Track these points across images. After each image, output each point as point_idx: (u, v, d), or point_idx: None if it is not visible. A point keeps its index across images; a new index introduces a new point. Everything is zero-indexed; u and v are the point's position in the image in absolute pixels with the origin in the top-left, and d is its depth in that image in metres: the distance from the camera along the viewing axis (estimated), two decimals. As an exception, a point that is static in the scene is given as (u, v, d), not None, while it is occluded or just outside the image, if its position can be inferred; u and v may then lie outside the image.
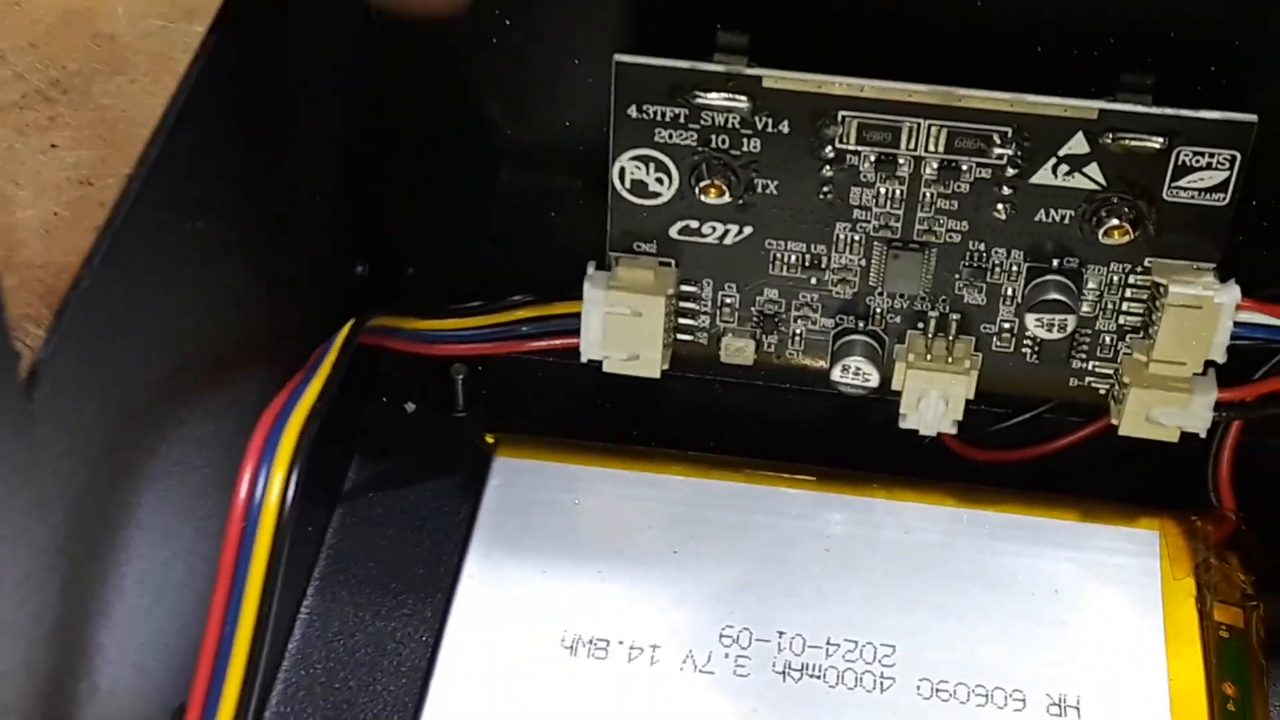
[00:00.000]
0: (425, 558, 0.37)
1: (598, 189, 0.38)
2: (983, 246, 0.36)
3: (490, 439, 0.39)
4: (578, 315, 0.38)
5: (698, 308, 0.38)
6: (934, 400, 0.37)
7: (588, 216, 0.38)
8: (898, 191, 0.36)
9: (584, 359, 0.38)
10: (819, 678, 0.35)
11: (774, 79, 0.35)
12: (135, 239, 0.24)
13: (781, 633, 0.35)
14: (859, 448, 0.40)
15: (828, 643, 0.35)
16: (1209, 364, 0.36)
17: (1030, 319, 0.36)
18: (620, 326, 0.37)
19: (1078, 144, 0.35)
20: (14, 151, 0.49)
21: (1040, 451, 0.39)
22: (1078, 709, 0.34)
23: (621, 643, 0.35)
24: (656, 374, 0.38)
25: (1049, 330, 0.36)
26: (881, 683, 0.35)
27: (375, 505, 0.38)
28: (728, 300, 0.38)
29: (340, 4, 0.35)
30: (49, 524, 0.22)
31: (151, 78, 0.51)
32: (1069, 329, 0.36)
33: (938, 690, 0.34)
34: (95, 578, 0.24)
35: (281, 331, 0.33)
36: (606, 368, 0.38)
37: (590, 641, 0.35)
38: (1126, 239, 0.35)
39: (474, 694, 0.34)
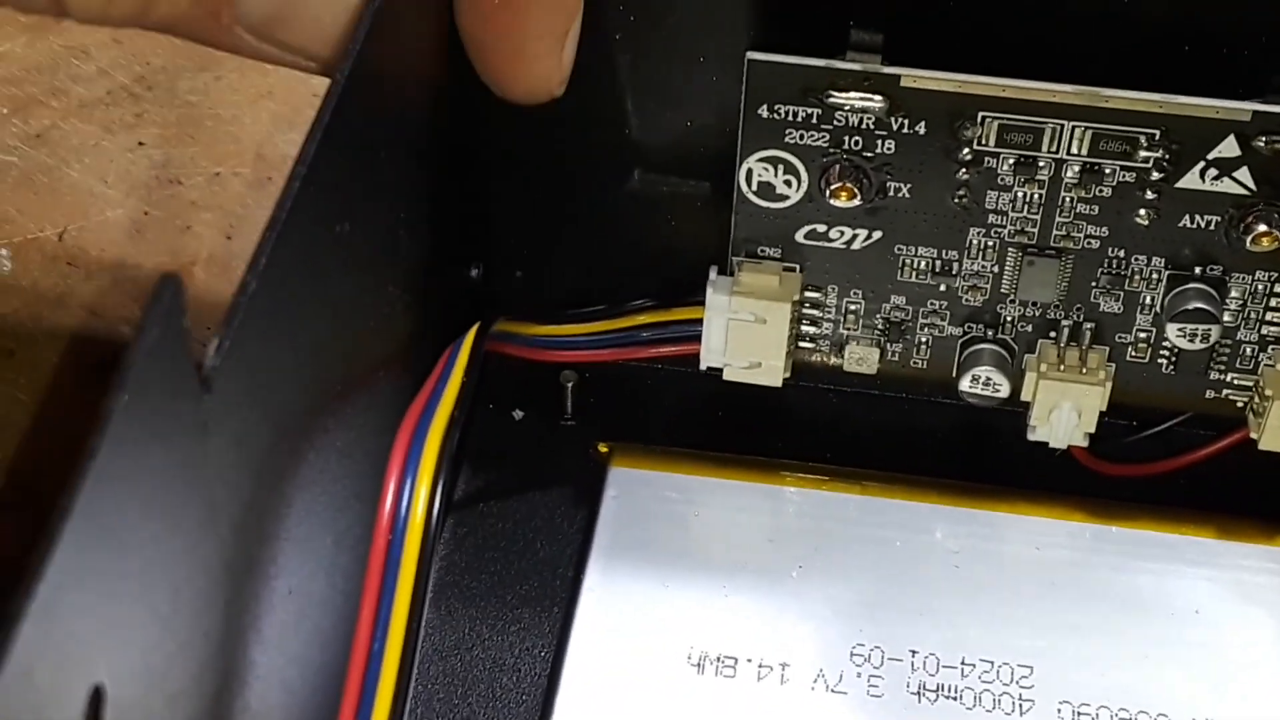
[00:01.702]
0: (540, 570, 0.36)
1: (718, 193, 0.37)
2: (1122, 253, 0.35)
3: (604, 448, 0.38)
4: (698, 321, 0.37)
5: (821, 315, 0.37)
6: (1066, 412, 0.36)
7: (707, 221, 0.37)
8: (1036, 196, 0.35)
9: (703, 366, 0.37)
10: (955, 699, 0.33)
11: (912, 78, 0.34)
12: (294, 241, 0.23)
13: (914, 652, 0.34)
14: (984, 461, 0.38)
15: (962, 663, 0.34)
16: (1359, 376, 0.35)
17: (1172, 328, 0.35)
18: (743, 333, 0.36)
19: (1228, 147, 0.33)
20: (101, 149, 0.49)
21: (1175, 465, 0.38)
22: (1227, 734, 0.33)
23: (750, 660, 0.34)
24: (778, 383, 0.37)
25: (1191, 340, 0.35)
26: (1020, 705, 0.33)
27: (487, 516, 0.37)
28: (852, 307, 0.37)
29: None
30: (218, 537, 0.21)
31: (238, 74, 0.50)
32: (1212, 339, 0.35)
33: (1079, 713, 0.33)
34: (251, 593, 0.23)
35: (407, 336, 0.32)
36: (727, 376, 0.37)
37: (718, 659, 0.34)
38: (1275, 246, 0.34)
39: (600, 711, 0.33)
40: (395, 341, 0.31)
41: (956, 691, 0.33)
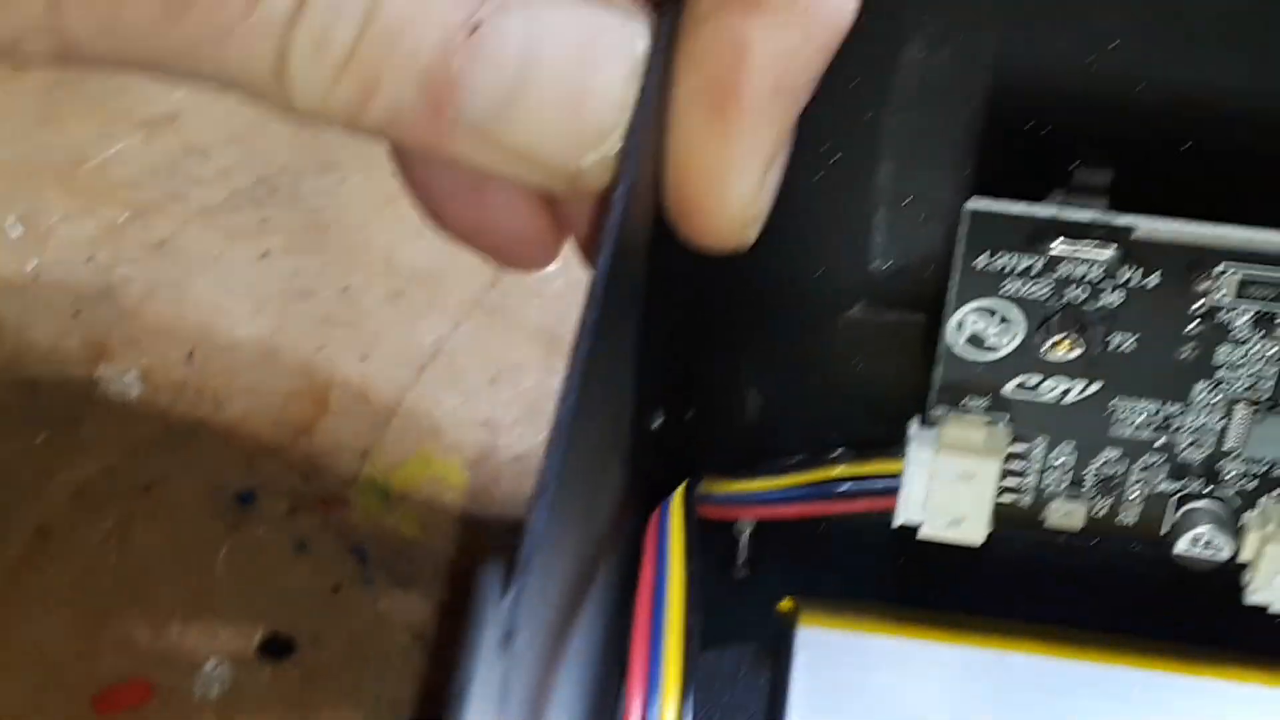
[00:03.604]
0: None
1: (920, 336, 0.35)
2: (1364, 411, 0.33)
3: (789, 605, 0.36)
4: (896, 475, 0.34)
5: (1025, 466, 0.35)
6: (1292, 575, 0.34)
7: (906, 364, 0.35)
8: (1274, 351, 0.32)
9: (898, 523, 0.35)
10: None
11: (1146, 229, 0.31)
12: (572, 459, 0.21)
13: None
14: (1197, 618, 0.36)
15: None
16: None
17: None
18: (946, 490, 0.34)
19: None
20: (225, 259, 0.46)
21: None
22: None
23: None
24: (979, 541, 0.35)
25: None
26: None
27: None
28: (1059, 461, 0.34)
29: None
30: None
31: (362, 175, 0.48)
32: None
33: None
34: None
35: (617, 508, 0.29)
36: (925, 533, 0.35)
37: None
38: None
39: None
40: (610, 516, 0.29)
41: None
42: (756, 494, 0.35)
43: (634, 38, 0.27)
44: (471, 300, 0.44)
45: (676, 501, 0.30)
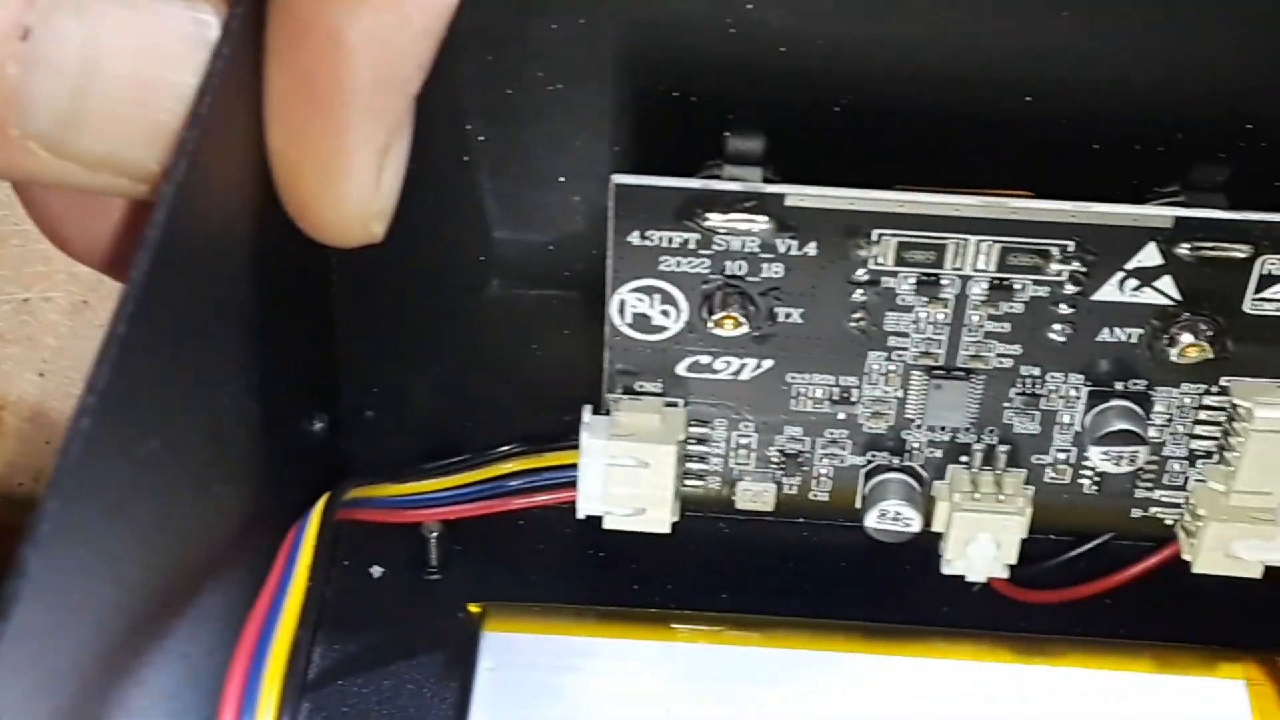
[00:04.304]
0: (412, 759, 0.32)
1: (588, 319, 0.33)
2: (1037, 371, 0.32)
3: (475, 609, 0.34)
4: (573, 466, 0.33)
5: (709, 450, 0.33)
6: (983, 544, 0.33)
7: (576, 350, 0.34)
8: (941, 315, 0.31)
9: (581, 515, 0.33)
10: None
11: (798, 196, 0.30)
12: (88, 479, 0.19)
13: (837, 832, 0.31)
14: (896, 594, 0.35)
15: (890, 841, 0.30)
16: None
17: (1096, 452, 0.32)
18: (624, 479, 0.32)
19: (1149, 255, 0.30)
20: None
21: (1103, 587, 0.34)
22: None
23: None
24: (665, 529, 0.33)
25: (1116, 463, 0.32)
26: None
27: (347, 695, 0.33)
28: (743, 441, 0.33)
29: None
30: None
31: None
32: (1139, 461, 0.32)
33: None
34: None
35: (245, 518, 0.27)
36: (607, 524, 0.33)
37: None
38: (1202, 357, 0.31)
39: None
40: (231, 528, 0.27)
41: None
42: (428, 495, 0.33)
43: (204, 27, 0.25)
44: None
45: (316, 514, 0.29)
